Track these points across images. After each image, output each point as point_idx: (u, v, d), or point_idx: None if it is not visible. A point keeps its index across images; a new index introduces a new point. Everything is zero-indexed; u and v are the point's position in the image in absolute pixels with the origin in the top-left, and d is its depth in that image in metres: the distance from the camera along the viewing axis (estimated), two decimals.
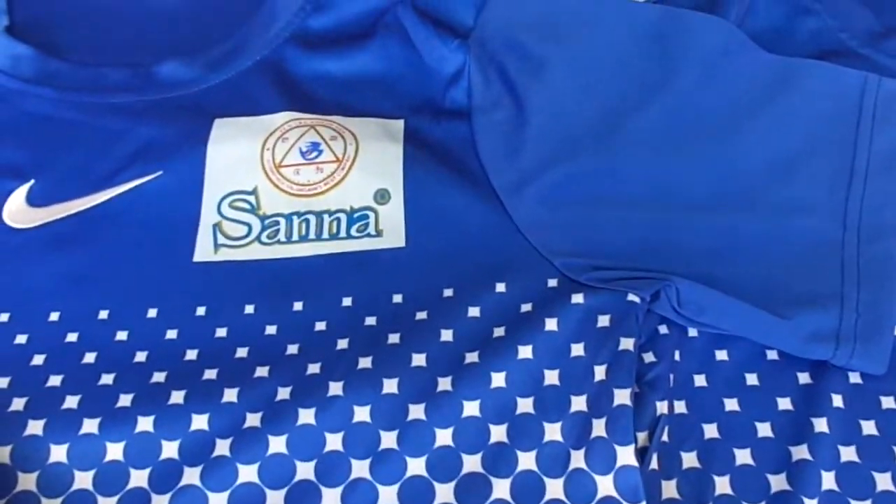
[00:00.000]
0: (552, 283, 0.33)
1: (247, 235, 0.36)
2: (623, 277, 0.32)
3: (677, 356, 0.32)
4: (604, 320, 0.31)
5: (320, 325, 0.33)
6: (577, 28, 0.40)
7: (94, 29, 0.43)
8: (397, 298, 0.33)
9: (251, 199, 0.37)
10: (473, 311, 0.32)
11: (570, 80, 0.38)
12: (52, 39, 0.42)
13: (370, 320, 0.33)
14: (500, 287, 0.33)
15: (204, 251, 0.35)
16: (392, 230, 0.35)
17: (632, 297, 0.31)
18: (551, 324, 0.31)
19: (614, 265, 0.32)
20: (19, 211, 0.37)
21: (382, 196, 0.36)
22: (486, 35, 0.40)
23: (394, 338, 0.32)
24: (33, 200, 0.37)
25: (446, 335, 0.32)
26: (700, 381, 0.31)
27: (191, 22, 0.44)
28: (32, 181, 0.38)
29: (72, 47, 0.42)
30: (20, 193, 0.37)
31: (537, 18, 0.40)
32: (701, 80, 0.37)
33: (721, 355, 0.32)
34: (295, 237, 0.35)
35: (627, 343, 0.30)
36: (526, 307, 0.32)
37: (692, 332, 0.32)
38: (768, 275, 0.32)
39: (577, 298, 0.31)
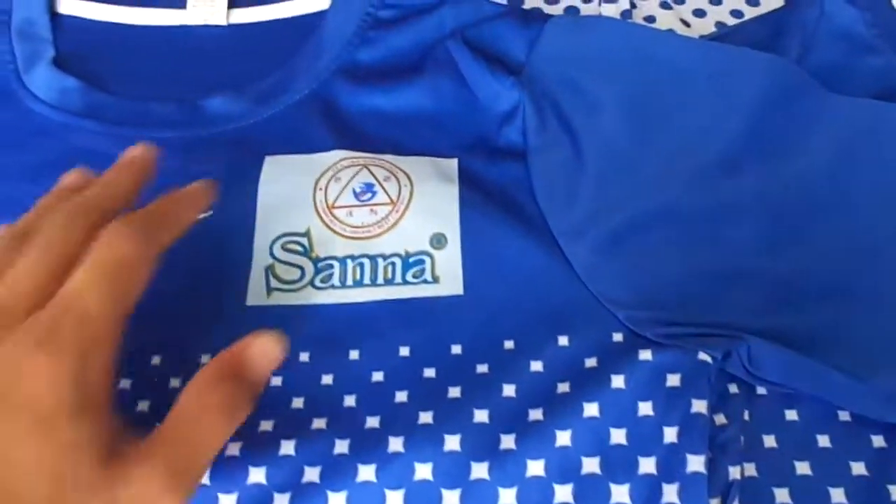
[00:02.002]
0: (617, 337, 0.32)
1: (300, 279, 0.35)
2: (692, 334, 0.31)
3: (746, 416, 0.31)
4: (673, 380, 0.30)
5: (377, 376, 0.32)
6: (631, 65, 0.39)
7: (140, 61, 0.43)
8: (456, 349, 0.33)
9: (304, 241, 0.36)
10: (536, 366, 0.32)
11: (626, 120, 0.38)
12: (97, 71, 0.42)
13: (429, 372, 0.32)
14: (563, 340, 0.32)
15: (257, 295, 0.35)
16: (449, 277, 0.34)
17: (703, 357, 0.30)
18: (618, 381, 0.30)
19: (680, 320, 0.31)
20: None
21: (439, 241, 0.35)
22: (539, 71, 0.40)
23: (454, 392, 0.31)
24: None
25: (509, 390, 0.31)
26: (770, 441, 0.31)
27: (237, 55, 0.43)
28: None
29: (117, 80, 0.42)
30: None
31: (591, 54, 0.40)
32: (763, 123, 0.36)
33: (791, 415, 0.31)
34: (349, 281, 0.35)
35: (700, 406, 0.30)
36: (590, 362, 0.32)
37: (760, 390, 0.31)
38: (842, 332, 0.31)
39: (645, 355, 0.31)
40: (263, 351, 0.28)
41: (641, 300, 0.32)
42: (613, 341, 0.32)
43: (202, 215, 0.36)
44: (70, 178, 0.32)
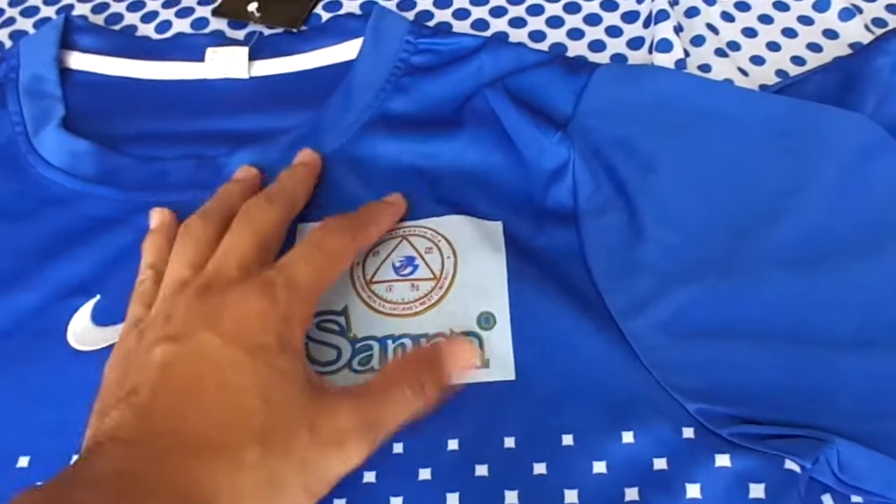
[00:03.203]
0: (688, 433, 0.29)
1: (336, 360, 0.32)
2: (773, 435, 0.28)
3: None
4: (757, 490, 0.27)
5: (425, 474, 0.30)
6: (691, 121, 0.36)
7: (155, 119, 0.40)
8: (509, 443, 0.30)
9: (341, 319, 0.33)
10: (599, 467, 0.29)
11: (685, 183, 0.35)
12: (110, 131, 0.39)
13: (481, 470, 0.29)
14: (628, 436, 0.29)
15: None
16: (500, 361, 0.32)
17: (790, 465, 0.27)
18: (693, 490, 0.28)
19: (760, 417, 0.29)
20: (84, 331, 0.34)
21: (487, 320, 0.33)
22: (588, 125, 0.37)
23: (511, 496, 0.29)
24: (99, 319, 0.34)
25: (571, 496, 0.28)
26: None
27: (260, 109, 0.40)
28: (98, 297, 0.34)
29: (131, 140, 0.39)
30: (85, 312, 0.34)
31: (644, 107, 0.37)
32: (839, 187, 0.33)
33: None
34: None
35: None
36: (660, 464, 0.29)
37: (855, 498, 0.29)
38: None
39: (723, 460, 0.28)
40: (458, 350, 0.31)
41: (715, 392, 0.30)
42: (684, 439, 0.29)
43: None
44: (242, 172, 0.37)
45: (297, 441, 0.27)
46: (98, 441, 0.25)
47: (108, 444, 0.25)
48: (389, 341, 0.32)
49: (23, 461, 0.31)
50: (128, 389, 0.27)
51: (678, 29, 0.41)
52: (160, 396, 0.26)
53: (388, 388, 0.29)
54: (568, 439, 0.30)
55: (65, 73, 0.41)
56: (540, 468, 0.29)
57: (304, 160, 0.37)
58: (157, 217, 0.35)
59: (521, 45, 0.42)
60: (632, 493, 0.28)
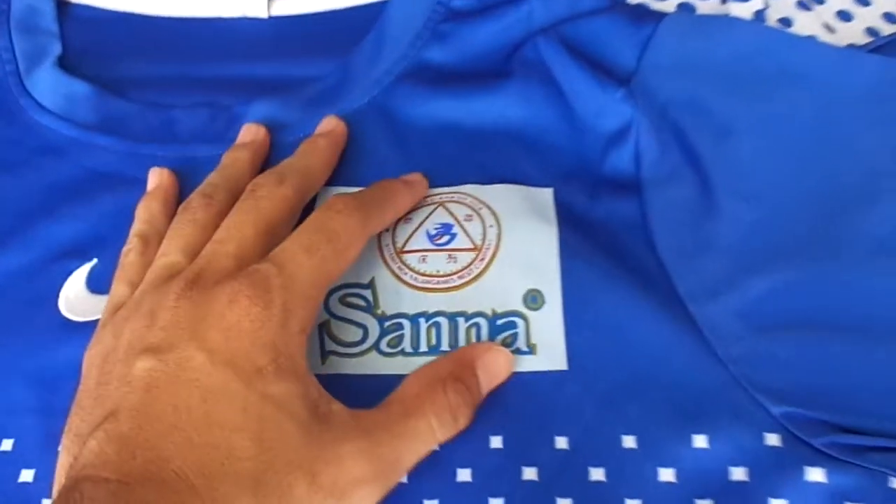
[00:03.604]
0: (772, 440, 0.25)
1: (362, 341, 0.28)
2: (876, 447, 0.24)
3: None
4: None
5: (464, 475, 0.26)
6: (773, 82, 0.32)
7: (163, 60, 0.36)
8: (561, 443, 0.26)
9: (367, 294, 0.29)
10: (666, 474, 0.25)
11: (767, 152, 0.30)
12: (111, 72, 0.35)
13: (529, 473, 0.25)
14: (700, 441, 0.25)
15: (309, 361, 0.28)
16: (549, 347, 0.27)
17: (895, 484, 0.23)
18: None
19: (859, 426, 0.25)
20: (78, 298, 0.30)
21: (534, 299, 0.28)
22: (653, 83, 0.32)
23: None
24: (94, 285, 0.30)
25: None
26: None
27: (280, 54, 0.35)
28: (94, 261, 0.30)
29: (136, 83, 0.35)
30: (79, 277, 0.30)
31: (718, 64, 0.32)
32: None
33: None
34: (423, 347, 0.28)
35: None
36: (738, 474, 0.25)
37: None
38: None
39: (815, 475, 0.24)
40: (495, 360, 0.27)
41: (805, 394, 0.25)
42: (767, 446, 0.25)
43: None
44: (249, 133, 0.33)
45: (293, 490, 0.23)
46: (76, 479, 0.21)
47: (86, 484, 0.21)
48: (422, 319, 0.28)
49: (6, 444, 0.27)
50: (106, 411, 0.23)
51: None
52: (142, 427, 0.22)
53: (410, 419, 0.25)
54: (629, 441, 0.26)
55: (63, 6, 0.37)
56: (597, 474, 0.25)
57: (327, 129, 0.32)
58: (155, 178, 0.31)
59: None
60: None
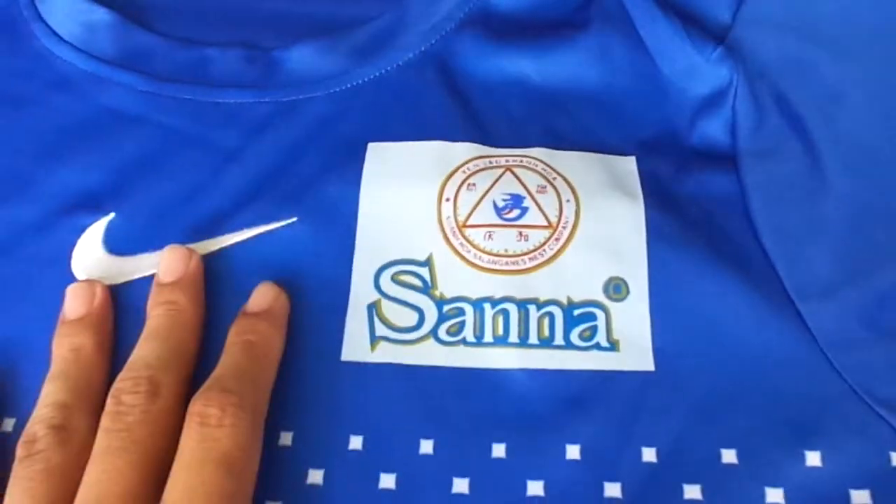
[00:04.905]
0: None
1: (418, 326, 0.25)
2: None
3: None
4: None
5: (535, 488, 0.22)
6: (891, 39, 0.28)
7: None
8: (648, 455, 0.22)
9: (424, 272, 0.25)
10: (774, 495, 0.21)
11: (888, 123, 0.26)
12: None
13: (612, 489, 0.22)
14: (813, 458, 0.22)
15: (355, 345, 0.24)
16: (633, 344, 0.24)
17: None
18: None
19: None
20: (93, 259, 0.26)
21: (617, 288, 0.25)
22: (752, 40, 0.28)
23: None
24: (113, 245, 0.26)
25: None
26: None
27: None
28: (112, 215, 0.27)
29: (163, 13, 0.31)
30: (95, 233, 0.26)
31: (829, 19, 0.28)
32: None
33: None
34: (488, 337, 0.24)
35: None
36: (859, 497, 0.21)
37: None
38: None
39: None
40: None
41: None
42: (893, 467, 0.22)
43: (279, 223, 0.26)
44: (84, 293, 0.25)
45: None
46: None
47: None
48: (487, 305, 0.25)
49: (7, 424, 0.24)
50: None
51: None
52: None
53: None
54: (729, 455, 0.22)
55: None
56: (692, 491, 0.22)
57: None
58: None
59: None
60: None
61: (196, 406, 0.21)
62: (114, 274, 0.26)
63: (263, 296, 0.24)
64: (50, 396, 0.22)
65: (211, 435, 0.20)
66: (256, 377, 0.23)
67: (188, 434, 0.21)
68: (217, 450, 0.20)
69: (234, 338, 0.24)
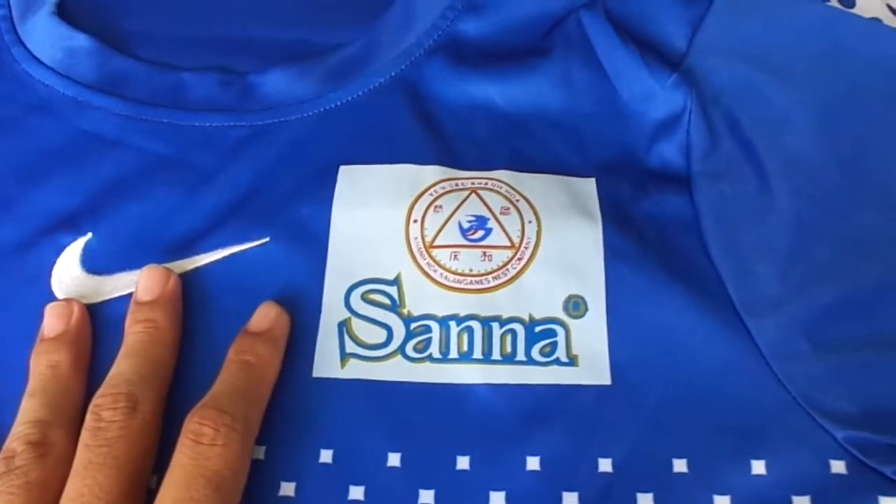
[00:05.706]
0: (837, 467, 0.23)
1: (386, 343, 0.26)
2: None
3: None
4: None
5: (497, 498, 0.23)
6: (841, 69, 0.29)
7: (173, 13, 0.32)
8: (605, 466, 0.24)
9: (392, 291, 0.26)
10: (721, 502, 0.23)
11: (831, 143, 0.28)
12: (115, 25, 0.31)
13: (570, 498, 0.23)
14: (758, 467, 0.23)
15: (326, 362, 0.25)
16: (591, 359, 0.25)
17: None
18: None
19: None
20: (71, 278, 0.27)
21: (576, 306, 0.26)
22: (706, 66, 0.30)
23: None
24: (90, 265, 0.27)
25: None
26: None
27: (302, 14, 0.32)
28: (89, 235, 0.27)
29: (142, 38, 0.31)
30: (73, 253, 0.27)
31: (778, 47, 0.30)
32: None
33: None
34: (453, 353, 0.25)
35: None
36: (802, 503, 0.23)
37: None
38: None
39: None
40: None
41: (873, 416, 0.23)
42: (833, 474, 0.23)
43: (252, 243, 0.27)
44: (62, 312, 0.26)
45: None
46: None
47: None
48: (453, 322, 0.26)
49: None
50: None
51: None
52: None
53: None
54: (680, 465, 0.24)
55: None
56: (644, 500, 0.23)
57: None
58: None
59: None
60: None
61: (191, 424, 0.22)
62: (91, 293, 0.26)
63: (265, 316, 0.25)
64: (28, 413, 0.23)
65: (203, 454, 0.21)
66: (251, 398, 0.24)
67: (181, 451, 0.22)
68: (208, 468, 0.21)
69: (233, 356, 0.24)
